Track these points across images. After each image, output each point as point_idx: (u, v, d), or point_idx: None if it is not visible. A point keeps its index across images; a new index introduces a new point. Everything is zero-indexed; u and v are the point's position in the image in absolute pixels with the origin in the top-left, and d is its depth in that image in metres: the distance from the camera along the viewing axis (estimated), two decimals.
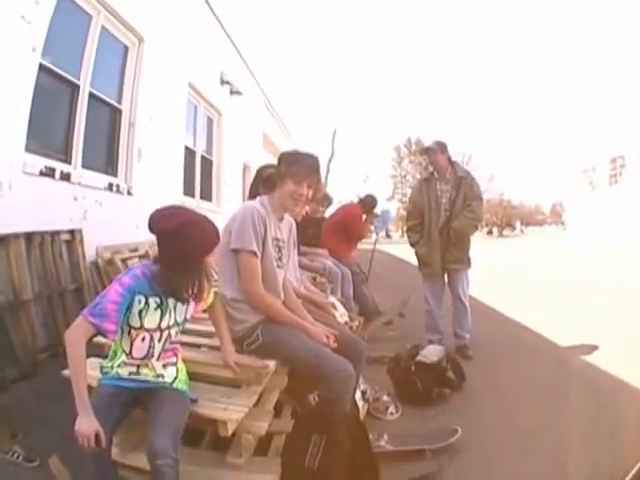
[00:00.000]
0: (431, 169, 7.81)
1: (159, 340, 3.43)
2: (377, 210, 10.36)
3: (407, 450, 4.43)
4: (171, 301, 3.42)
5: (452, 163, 7.60)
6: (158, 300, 3.35)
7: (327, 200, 9.07)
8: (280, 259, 4.40)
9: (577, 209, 52.60)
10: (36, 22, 6.36)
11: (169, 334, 3.47)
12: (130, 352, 3.41)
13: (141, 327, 3.35)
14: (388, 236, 60.55)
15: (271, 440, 4.10)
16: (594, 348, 7.35)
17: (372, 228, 10.88)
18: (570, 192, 55.09)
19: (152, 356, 3.43)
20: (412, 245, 7.97)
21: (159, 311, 3.37)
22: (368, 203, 10.26)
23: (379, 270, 13.59)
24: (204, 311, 3.99)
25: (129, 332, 3.38)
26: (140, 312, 3.31)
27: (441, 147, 7.54)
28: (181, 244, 3.29)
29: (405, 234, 8.51)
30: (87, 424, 2.90)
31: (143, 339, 3.37)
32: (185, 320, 3.58)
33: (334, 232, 9.26)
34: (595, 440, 4.44)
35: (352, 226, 9.53)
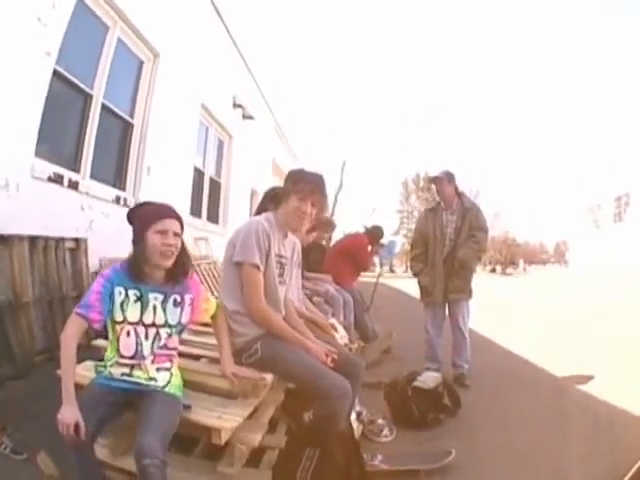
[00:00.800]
0: (437, 200, 7.84)
1: (146, 337, 3.47)
2: (383, 241, 10.36)
3: (400, 470, 4.42)
4: (153, 296, 3.47)
5: (459, 194, 7.64)
6: (138, 293, 3.43)
7: (330, 226, 9.09)
8: (282, 275, 4.44)
9: (581, 247, 52.80)
10: (52, 25, 6.38)
11: (157, 333, 3.49)
12: (119, 349, 3.46)
13: (124, 320, 3.42)
14: (392, 270, 60.51)
15: (263, 454, 4.09)
16: (589, 378, 7.38)
17: (377, 258, 10.91)
18: (574, 230, 55.30)
19: (142, 356, 3.46)
20: (415, 274, 7.99)
21: (139, 304, 3.44)
22: (375, 234, 10.28)
23: (381, 302, 13.58)
24: (207, 324, 4.09)
25: (114, 328, 3.44)
26: (122, 304, 3.40)
27: (449, 177, 7.57)
28: (132, 225, 3.53)
29: (409, 266, 8.51)
30: (69, 413, 2.95)
31: (128, 334, 3.43)
32: (180, 325, 3.61)
33: (339, 259, 9.32)
34: (590, 467, 4.46)
35: (357, 255, 9.55)
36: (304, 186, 4.29)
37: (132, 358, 3.45)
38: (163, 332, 3.52)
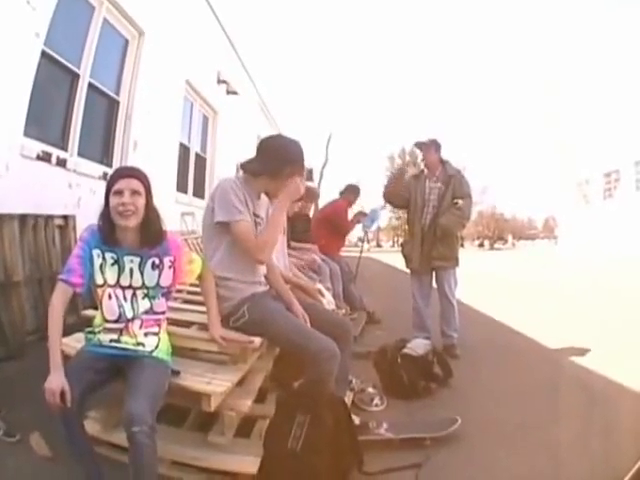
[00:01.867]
0: (421, 167, 7.85)
1: (125, 299, 3.46)
2: (366, 210, 10.39)
3: (407, 438, 4.43)
4: (129, 259, 3.47)
5: (443, 162, 7.61)
6: (114, 256, 3.43)
7: (314, 195, 9.06)
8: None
9: (570, 223, 52.41)
10: (41, 9, 6.43)
11: (134, 294, 3.49)
12: (103, 314, 3.48)
13: (104, 283, 3.42)
14: (379, 245, 60.44)
15: (254, 424, 4.13)
16: (584, 350, 7.34)
17: (361, 228, 10.88)
18: (563, 206, 54.88)
19: (126, 318, 3.45)
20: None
21: (116, 267, 3.44)
22: (349, 193, 10.33)
23: (369, 275, 13.65)
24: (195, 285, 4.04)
25: (96, 291, 3.46)
26: (101, 267, 3.41)
27: (435, 145, 7.56)
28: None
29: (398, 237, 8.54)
30: (54, 381, 2.98)
31: (110, 296, 3.43)
32: (159, 287, 3.56)
33: (321, 228, 9.33)
34: (584, 437, 4.47)
35: (336, 220, 9.57)
36: (280, 164, 4.26)
37: (117, 322, 3.45)
38: (140, 294, 3.50)
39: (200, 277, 3.93)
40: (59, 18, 6.87)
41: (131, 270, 3.46)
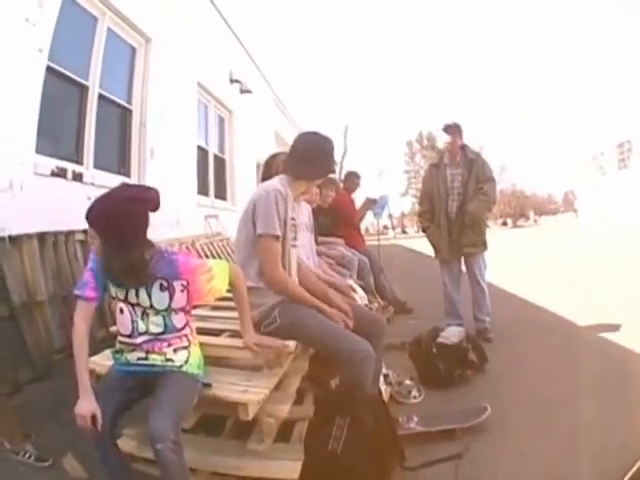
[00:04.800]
0: (441, 155, 7.79)
1: (136, 315, 3.37)
2: (375, 196, 10.28)
3: (437, 430, 4.41)
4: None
5: (462, 147, 7.53)
6: None
7: (334, 185, 8.96)
8: (295, 239, 4.41)
9: (589, 195, 52.34)
10: (41, 24, 6.38)
11: (145, 313, 3.37)
12: (118, 328, 3.43)
13: (116, 296, 3.36)
14: (404, 232, 60.47)
15: (294, 427, 4.10)
16: (615, 327, 7.25)
17: (372, 214, 10.80)
18: (581, 179, 54.82)
19: (138, 334, 3.36)
20: (423, 231, 8.03)
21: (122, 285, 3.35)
22: (348, 181, 10.37)
23: (396, 263, 13.59)
24: (228, 291, 3.89)
25: (112, 304, 3.50)
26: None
27: (459, 129, 7.50)
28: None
29: (418, 223, 8.48)
30: (85, 405, 2.95)
31: (122, 311, 3.36)
32: (171, 309, 3.42)
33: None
34: (618, 413, 4.45)
35: (340, 211, 9.33)
36: (330, 164, 4.41)
37: (130, 337, 3.38)
38: (152, 313, 3.39)
39: (230, 285, 3.78)
40: (62, 32, 6.82)
41: (137, 290, 3.35)
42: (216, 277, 3.58)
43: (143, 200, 3.20)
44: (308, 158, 4.29)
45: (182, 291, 3.39)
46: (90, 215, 3.14)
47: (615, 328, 7.21)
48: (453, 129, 7.46)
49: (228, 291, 3.88)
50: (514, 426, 4.53)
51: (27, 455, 3.95)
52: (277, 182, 4.27)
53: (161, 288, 3.34)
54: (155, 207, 3.26)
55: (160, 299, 3.36)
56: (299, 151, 4.37)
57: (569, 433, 4.28)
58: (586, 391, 5.02)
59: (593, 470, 3.62)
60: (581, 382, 5.30)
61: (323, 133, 4.51)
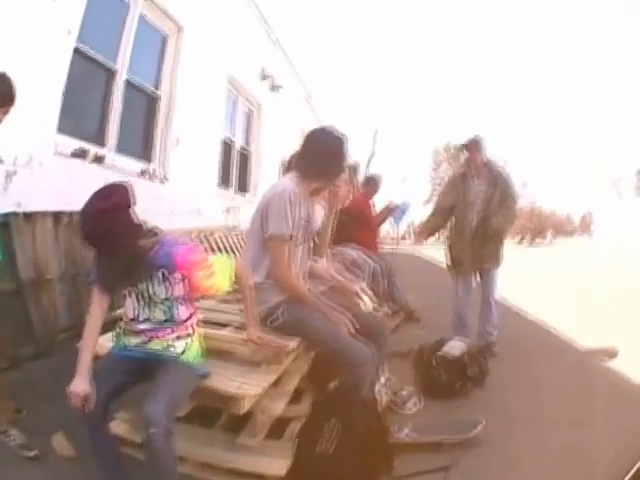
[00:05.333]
0: (462, 170, 7.68)
1: (140, 301, 3.39)
2: (397, 202, 10.22)
3: (428, 442, 4.39)
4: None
5: (487, 162, 7.43)
6: None
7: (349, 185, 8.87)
8: (305, 237, 4.41)
9: (605, 218, 52.32)
10: (71, 6, 6.43)
11: (150, 301, 3.39)
12: (125, 311, 3.46)
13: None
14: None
15: (288, 425, 4.11)
16: (613, 353, 7.23)
17: (393, 223, 10.74)
18: (599, 202, 54.83)
19: (140, 320, 3.39)
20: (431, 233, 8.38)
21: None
22: (368, 185, 10.23)
23: (409, 271, 13.53)
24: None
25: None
26: None
27: (478, 145, 7.37)
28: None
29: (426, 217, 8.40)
30: (79, 385, 2.98)
31: (129, 294, 3.38)
32: (172, 299, 3.42)
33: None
34: (615, 438, 4.38)
35: (359, 215, 9.19)
36: (339, 165, 4.35)
37: (133, 320, 3.41)
38: (155, 302, 3.41)
39: (236, 280, 3.77)
40: (93, 16, 6.86)
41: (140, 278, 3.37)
42: (218, 274, 3.53)
43: (119, 205, 3.10)
44: (317, 157, 4.28)
45: (180, 281, 3.38)
46: (82, 232, 3.12)
47: (613, 353, 7.22)
48: (472, 146, 7.39)
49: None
50: (507, 441, 4.53)
51: (12, 438, 3.87)
52: (289, 181, 4.27)
53: (160, 279, 3.35)
54: (132, 202, 3.16)
55: (160, 290, 3.37)
56: (311, 149, 4.36)
57: (561, 453, 4.28)
58: (583, 413, 5.04)
59: None
60: (579, 403, 5.31)
61: (337, 130, 4.44)
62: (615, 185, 49.52)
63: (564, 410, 5.22)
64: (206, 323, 4.15)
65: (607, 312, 10.30)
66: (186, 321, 3.52)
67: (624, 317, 9.65)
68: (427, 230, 8.08)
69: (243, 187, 14.49)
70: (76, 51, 6.67)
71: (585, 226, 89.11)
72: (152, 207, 7.07)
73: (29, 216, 5.56)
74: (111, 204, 3.02)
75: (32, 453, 3.77)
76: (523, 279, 15.65)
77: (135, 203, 3.16)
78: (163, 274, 3.34)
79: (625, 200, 46.64)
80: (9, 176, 5.62)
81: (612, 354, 7.19)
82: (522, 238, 63.87)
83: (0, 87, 3.75)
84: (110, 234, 3.00)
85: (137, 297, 3.38)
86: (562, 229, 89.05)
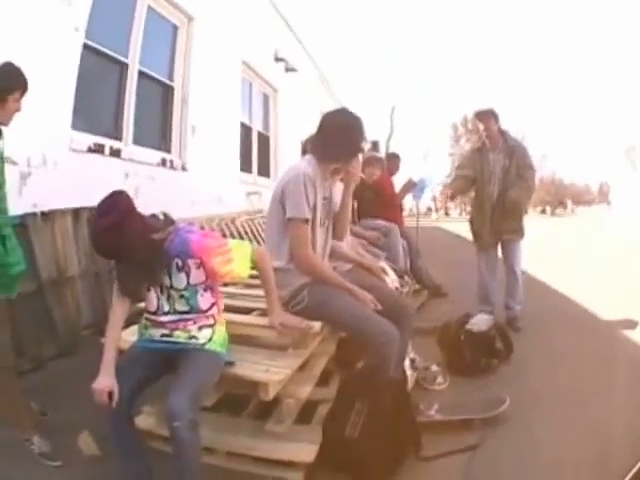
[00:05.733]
0: (482, 140, 7.57)
1: (162, 293, 3.38)
2: (415, 179, 10.21)
3: (455, 420, 4.38)
4: None
5: (502, 132, 7.37)
6: None
7: (378, 162, 8.86)
8: (325, 218, 4.40)
9: (621, 188, 51.91)
10: (77, 4, 6.44)
11: (169, 292, 3.38)
12: (145, 305, 3.46)
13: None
14: (447, 214, 60.06)
15: (316, 409, 4.10)
16: (634, 324, 7.20)
17: (412, 197, 10.73)
18: (615, 171, 54.43)
19: (163, 313, 3.38)
20: (452, 197, 8.47)
21: None
22: (389, 162, 10.36)
23: (435, 246, 13.49)
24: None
25: None
26: None
27: (493, 115, 7.30)
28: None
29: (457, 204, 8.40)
30: (103, 381, 2.98)
31: (148, 288, 3.36)
32: (191, 286, 3.40)
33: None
34: (636, 409, 4.40)
35: (382, 192, 9.16)
36: (353, 145, 4.28)
37: (155, 314, 3.40)
38: (175, 294, 3.40)
39: (254, 267, 3.74)
40: (100, 11, 6.88)
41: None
42: (236, 260, 3.51)
43: (121, 221, 2.99)
44: (333, 140, 4.24)
45: (198, 268, 3.36)
46: (96, 251, 3.14)
47: (634, 324, 7.19)
48: (486, 115, 7.31)
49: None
50: (533, 419, 4.51)
51: (36, 446, 3.81)
52: (305, 164, 4.25)
53: (177, 268, 3.33)
54: (132, 208, 3.11)
55: (179, 278, 3.35)
56: (324, 132, 4.32)
57: (589, 429, 4.25)
58: (610, 388, 4.98)
59: (611, 472, 3.50)
60: (605, 379, 5.25)
61: (350, 111, 4.44)
62: (628, 154, 49.07)
63: (589, 384, 5.18)
64: (231, 309, 4.15)
65: (633, 282, 10.21)
66: (208, 310, 3.50)
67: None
68: (452, 190, 8.06)
69: (264, 171, 14.48)
70: (86, 47, 6.68)
71: (603, 195, 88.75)
72: (172, 197, 7.08)
73: (47, 215, 5.57)
74: (115, 218, 2.98)
75: (56, 463, 3.73)
76: (547, 250, 15.61)
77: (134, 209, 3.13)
78: (179, 262, 3.33)
79: (638, 170, 46.26)
80: (23, 177, 5.64)
81: (632, 325, 7.17)
82: (543, 210, 63.59)
83: (14, 75, 3.73)
84: (123, 245, 3.00)
85: (158, 290, 3.37)
86: (581, 199, 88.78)
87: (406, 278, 6.66)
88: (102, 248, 3.03)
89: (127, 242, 2.99)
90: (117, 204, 3.05)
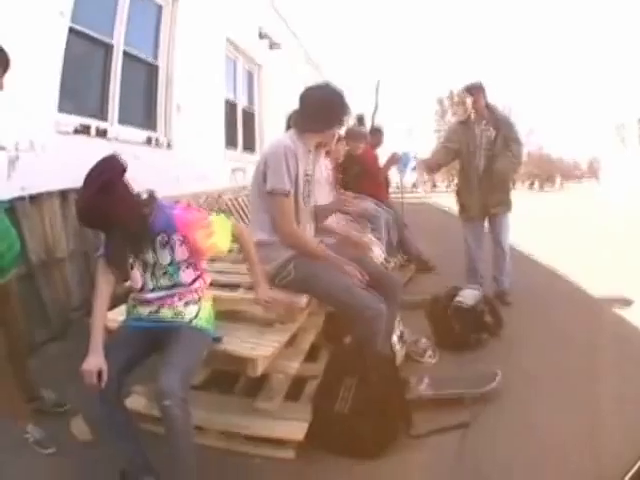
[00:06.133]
0: (468, 113, 7.60)
1: (145, 271, 3.42)
2: (399, 152, 10.25)
3: (446, 397, 4.39)
4: None
5: (489, 107, 7.43)
6: None
7: (360, 136, 8.90)
8: (309, 193, 4.45)
9: (611, 164, 51.92)
10: None
11: (153, 269, 3.42)
12: (131, 284, 3.49)
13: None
14: (434, 185, 59.97)
15: (305, 385, 4.16)
16: (627, 302, 7.22)
17: (397, 171, 10.76)
18: (604, 148, 54.38)
19: (147, 290, 3.42)
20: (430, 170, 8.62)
21: None
22: (374, 137, 10.43)
23: (422, 219, 13.52)
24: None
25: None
26: None
27: (482, 88, 7.38)
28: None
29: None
30: (92, 361, 3.00)
31: (132, 267, 3.40)
32: (176, 262, 3.44)
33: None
34: (628, 390, 4.44)
35: (366, 166, 9.13)
36: (331, 115, 4.34)
37: (141, 291, 3.44)
38: (159, 269, 3.43)
39: (236, 241, 3.80)
40: None
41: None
42: (217, 234, 3.55)
43: (109, 183, 3.08)
44: (311, 111, 4.31)
45: (181, 244, 3.39)
46: (80, 219, 3.19)
47: (626, 302, 7.20)
48: (476, 89, 7.35)
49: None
50: (524, 394, 4.55)
51: (30, 435, 3.81)
52: (287, 138, 4.31)
53: (162, 244, 3.37)
54: (123, 171, 3.18)
55: (163, 255, 3.39)
56: (303, 104, 4.39)
57: (582, 406, 4.29)
58: (602, 365, 5.02)
59: (603, 450, 3.57)
60: (598, 355, 5.28)
61: (331, 85, 4.54)
62: (618, 131, 49.01)
63: (581, 361, 5.20)
64: (218, 285, 4.19)
65: (620, 258, 10.33)
66: (192, 284, 3.54)
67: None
68: (429, 163, 8.11)
69: (250, 147, 14.49)
70: (71, 31, 6.66)
71: (593, 171, 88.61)
72: (158, 175, 7.11)
73: (35, 198, 5.57)
74: (107, 177, 3.07)
75: (50, 450, 3.75)
76: (536, 224, 15.63)
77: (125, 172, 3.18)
78: (164, 238, 3.36)
79: (629, 148, 46.15)
80: (12, 162, 5.64)
81: (626, 302, 7.20)
82: (532, 184, 63.52)
83: None
84: (113, 209, 3.03)
85: (142, 267, 3.42)
86: (570, 174, 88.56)
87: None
88: (91, 212, 3.08)
89: (117, 204, 3.05)
90: (110, 165, 3.16)
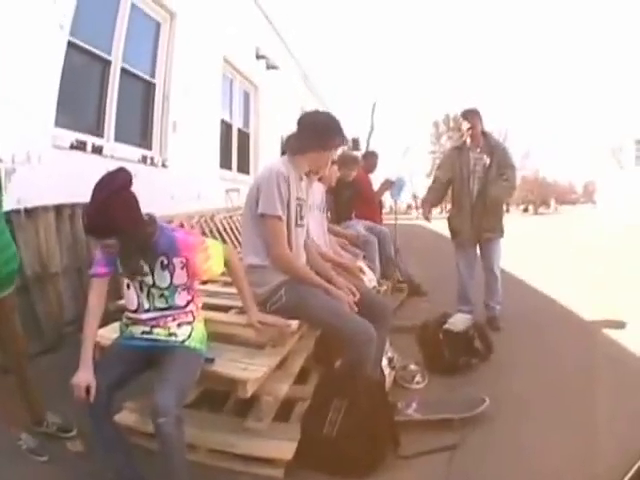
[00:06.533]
0: (463, 139, 7.66)
1: (142, 291, 3.44)
2: (392, 178, 10.27)
3: (434, 419, 4.40)
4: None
5: (484, 133, 7.49)
6: None
7: (353, 162, 8.90)
8: (301, 218, 4.44)
9: (607, 187, 52.19)
10: (62, 1, 6.43)
11: (149, 290, 3.45)
12: (125, 304, 3.51)
13: (122, 273, 3.43)
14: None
15: (294, 406, 4.15)
16: (620, 324, 7.23)
17: (390, 195, 10.79)
18: (601, 171, 54.67)
19: (143, 311, 3.44)
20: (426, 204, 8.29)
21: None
22: (367, 161, 10.41)
23: (414, 243, 13.53)
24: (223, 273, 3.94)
25: (121, 280, 3.48)
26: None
27: (479, 115, 7.44)
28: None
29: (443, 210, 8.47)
30: (81, 376, 3.02)
31: (128, 287, 3.43)
32: (173, 286, 3.47)
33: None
34: (620, 413, 4.44)
35: (360, 190, 9.21)
36: (326, 137, 4.36)
37: (136, 312, 3.46)
38: (156, 291, 3.46)
39: (226, 265, 3.80)
40: (85, 9, 6.87)
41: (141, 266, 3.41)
42: (213, 257, 3.62)
43: (120, 190, 3.14)
44: (306, 132, 4.38)
45: (182, 268, 3.43)
46: (88, 229, 3.19)
47: (618, 325, 7.21)
48: (473, 115, 7.41)
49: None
50: (514, 417, 4.55)
51: (23, 443, 3.79)
52: (279, 163, 4.34)
53: (162, 266, 3.39)
54: (131, 182, 3.23)
55: (162, 277, 3.41)
56: (300, 126, 4.45)
57: (571, 430, 4.29)
58: (592, 388, 5.02)
59: (595, 472, 3.61)
60: (588, 379, 5.29)
61: (325, 111, 4.77)
62: (615, 154, 49.30)
63: (571, 385, 5.22)
64: (210, 307, 4.21)
65: (614, 283, 10.27)
66: (185, 307, 3.57)
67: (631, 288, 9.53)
68: (428, 202, 8.11)
69: (244, 168, 14.50)
70: (70, 45, 6.67)
71: (588, 194, 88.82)
72: (153, 194, 7.11)
73: (30, 212, 5.57)
74: (116, 187, 3.10)
75: (43, 458, 3.73)
76: (529, 248, 15.66)
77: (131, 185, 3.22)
78: (163, 261, 3.39)
79: (626, 169, 46.37)
80: (8, 174, 5.61)
81: (619, 325, 7.20)
82: (526, 208, 63.71)
83: None
84: (119, 218, 3.05)
85: (138, 288, 3.43)
86: (565, 198, 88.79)
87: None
88: (102, 216, 3.04)
89: (128, 210, 3.12)
90: (122, 174, 3.20)
